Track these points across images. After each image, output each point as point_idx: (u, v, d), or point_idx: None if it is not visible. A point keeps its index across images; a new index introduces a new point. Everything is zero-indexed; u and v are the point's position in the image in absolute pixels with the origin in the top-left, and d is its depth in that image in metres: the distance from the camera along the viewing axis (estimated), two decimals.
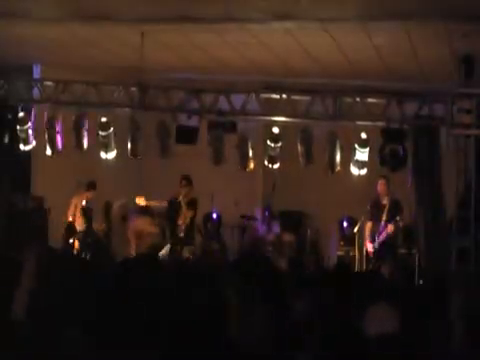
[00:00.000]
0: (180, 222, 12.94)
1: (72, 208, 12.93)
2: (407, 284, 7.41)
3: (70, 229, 12.96)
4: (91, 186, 12.98)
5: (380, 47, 11.25)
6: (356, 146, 11.51)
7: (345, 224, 14.86)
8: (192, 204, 12.93)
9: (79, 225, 12.96)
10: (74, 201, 12.96)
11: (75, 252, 12.51)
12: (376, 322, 4.27)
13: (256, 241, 14.45)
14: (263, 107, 11.89)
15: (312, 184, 14.90)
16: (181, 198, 12.84)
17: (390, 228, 12.00)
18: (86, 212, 12.96)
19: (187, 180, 12.94)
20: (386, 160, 11.25)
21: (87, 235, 12.93)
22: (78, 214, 12.95)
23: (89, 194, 12.98)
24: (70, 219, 12.94)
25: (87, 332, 4.02)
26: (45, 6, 10.13)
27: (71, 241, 12.83)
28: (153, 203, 13.37)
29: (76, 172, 13.45)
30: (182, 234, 12.92)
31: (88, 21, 10.61)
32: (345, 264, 9.36)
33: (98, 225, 13.20)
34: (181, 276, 6.28)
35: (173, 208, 12.98)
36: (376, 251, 12.15)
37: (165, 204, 13.26)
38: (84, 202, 13.02)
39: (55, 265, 5.10)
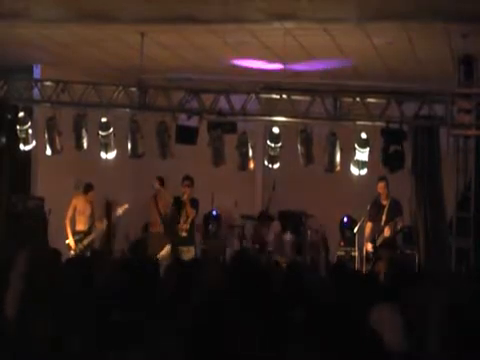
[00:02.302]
0: (182, 221, 12.96)
1: (71, 210, 12.94)
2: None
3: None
4: (89, 188, 12.97)
5: (380, 47, 11.26)
6: (356, 146, 11.51)
7: (345, 224, 14.87)
8: (194, 204, 12.95)
9: (79, 226, 12.98)
10: (73, 203, 12.97)
11: (73, 253, 12.53)
12: (381, 322, 4.27)
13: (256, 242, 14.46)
14: (263, 107, 11.88)
15: (312, 184, 14.90)
16: (185, 197, 12.86)
17: (387, 231, 11.99)
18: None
19: (190, 180, 12.97)
20: (389, 160, 11.25)
21: (85, 236, 12.95)
22: (77, 215, 12.96)
23: (88, 196, 12.97)
24: (69, 221, 12.94)
25: (83, 334, 4.03)
26: (45, 6, 10.14)
27: (68, 242, 12.83)
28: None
29: (76, 172, 13.45)
30: (184, 234, 12.94)
31: (88, 21, 10.62)
32: (343, 265, 9.34)
33: (98, 224, 13.19)
34: (182, 279, 6.31)
35: (177, 206, 12.99)
36: (376, 251, 12.14)
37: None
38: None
39: (45, 266, 5.10)
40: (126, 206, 13.06)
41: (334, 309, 5.01)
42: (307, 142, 11.74)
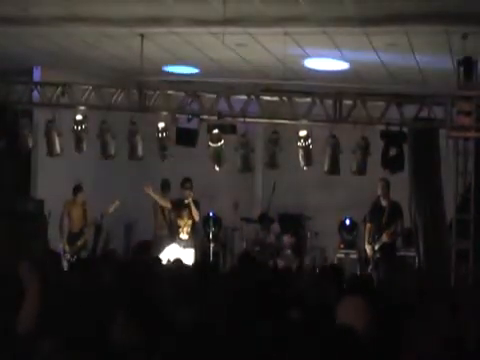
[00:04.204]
0: (182, 224, 12.96)
1: (64, 215, 13.01)
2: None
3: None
4: (78, 190, 13.00)
5: (380, 49, 11.27)
6: (356, 148, 11.50)
7: (345, 226, 14.86)
8: (197, 206, 12.96)
9: (72, 228, 13.04)
10: (66, 208, 13.03)
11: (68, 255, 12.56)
12: (347, 313, 4.27)
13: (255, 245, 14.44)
14: (263, 109, 11.88)
15: (312, 186, 14.90)
16: (190, 200, 12.87)
17: (384, 237, 11.98)
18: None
19: (190, 182, 12.99)
20: (389, 163, 11.25)
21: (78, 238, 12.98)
22: (70, 218, 13.01)
23: (79, 198, 13.00)
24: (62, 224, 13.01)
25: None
26: (45, 8, 10.14)
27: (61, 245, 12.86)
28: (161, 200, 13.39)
29: (75, 174, 13.43)
30: (186, 236, 12.94)
31: (88, 23, 10.62)
32: (338, 267, 9.37)
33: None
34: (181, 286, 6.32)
35: (179, 209, 12.99)
36: (375, 253, 12.13)
37: (169, 205, 13.30)
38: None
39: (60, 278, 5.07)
40: (117, 203, 13.06)
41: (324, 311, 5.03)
42: (307, 144, 11.76)
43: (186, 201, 12.92)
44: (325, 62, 12.41)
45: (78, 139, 12.37)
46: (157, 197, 13.32)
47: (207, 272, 7.65)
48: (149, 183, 13.16)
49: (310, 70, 12.88)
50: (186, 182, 12.99)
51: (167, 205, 13.28)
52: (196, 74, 13.90)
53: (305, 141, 11.75)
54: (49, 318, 4.69)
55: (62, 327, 4.58)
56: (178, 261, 8.72)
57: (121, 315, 4.44)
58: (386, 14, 9.49)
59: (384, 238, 12.00)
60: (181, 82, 13.73)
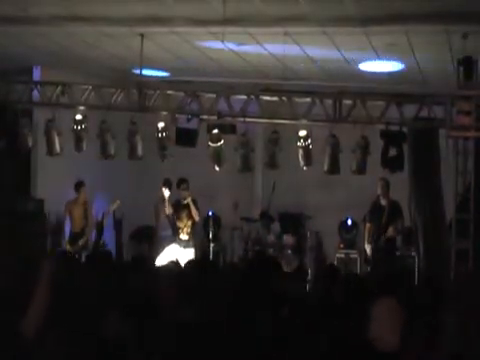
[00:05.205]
0: (182, 225, 12.94)
1: (67, 213, 13.02)
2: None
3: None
4: (80, 185, 13.00)
5: (380, 49, 11.28)
6: (356, 148, 11.51)
7: (345, 226, 14.86)
8: (196, 205, 12.93)
9: (73, 228, 13.04)
10: (68, 208, 13.04)
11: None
12: (381, 313, 4.23)
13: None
14: (263, 109, 11.89)
15: (312, 186, 14.91)
16: (189, 200, 12.83)
17: (390, 231, 12.00)
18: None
19: (187, 183, 12.95)
20: (389, 162, 11.27)
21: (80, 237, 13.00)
22: (72, 217, 13.03)
23: (81, 197, 12.99)
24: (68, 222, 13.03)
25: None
26: (44, 8, 10.14)
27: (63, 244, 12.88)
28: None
29: (75, 174, 13.44)
30: (186, 237, 12.92)
31: (88, 23, 10.62)
32: (335, 267, 9.38)
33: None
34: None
35: (179, 210, 12.96)
36: (375, 253, 12.14)
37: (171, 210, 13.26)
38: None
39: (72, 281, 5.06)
40: (118, 202, 13.05)
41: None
42: (307, 144, 11.76)
43: (184, 202, 12.89)
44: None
45: (78, 139, 12.38)
46: (167, 199, 13.17)
47: (207, 269, 7.63)
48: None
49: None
50: (182, 183, 12.93)
51: (169, 210, 13.17)
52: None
53: (305, 141, 11.76)
54: (48, 316, 4.69)
55: (61, 325, 4.58)
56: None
57: (117, 314, 4.44)
58: (386, 14, 9.49)
59: (390, 232, 12.01)
60: (181, 82, 13.73)
